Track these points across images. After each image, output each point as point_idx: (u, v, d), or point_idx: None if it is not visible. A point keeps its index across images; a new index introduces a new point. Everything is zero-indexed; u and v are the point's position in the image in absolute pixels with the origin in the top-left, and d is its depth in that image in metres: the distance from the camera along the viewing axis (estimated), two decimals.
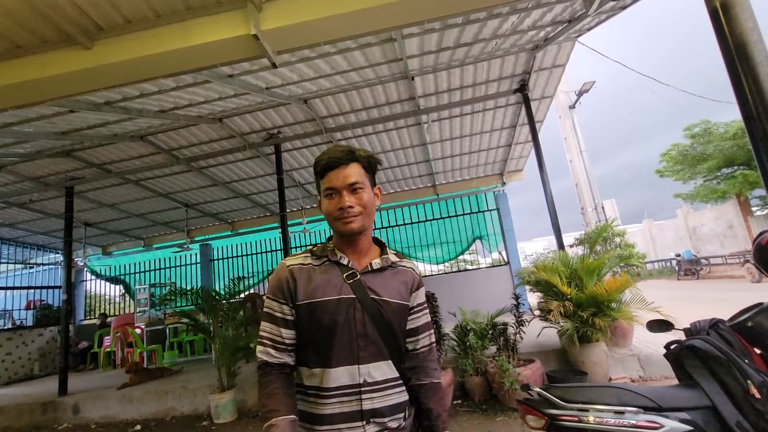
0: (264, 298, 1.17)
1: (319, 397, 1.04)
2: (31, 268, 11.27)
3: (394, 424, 1.08)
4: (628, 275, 4.33)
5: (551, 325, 4.43)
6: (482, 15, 4.00)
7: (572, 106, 10.71)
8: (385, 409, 1.06)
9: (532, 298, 6.86)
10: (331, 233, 1.22)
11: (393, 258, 1.20)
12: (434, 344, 1.26)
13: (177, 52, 2.69)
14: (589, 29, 4.65)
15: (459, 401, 4.36)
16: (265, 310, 1.13)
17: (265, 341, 1.09)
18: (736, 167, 17.60)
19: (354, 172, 1.11)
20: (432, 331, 1.27)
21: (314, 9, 2.62)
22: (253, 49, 2.77)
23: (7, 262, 10.49)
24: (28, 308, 10.93)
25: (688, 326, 2.09)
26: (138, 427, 5.10)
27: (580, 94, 10.36)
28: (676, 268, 19.06)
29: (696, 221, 21.42)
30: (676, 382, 2.01)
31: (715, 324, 1.97)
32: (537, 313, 4.77)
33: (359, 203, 1.10)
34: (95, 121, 4.89)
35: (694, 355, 1.86)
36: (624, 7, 4.12)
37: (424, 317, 1.23)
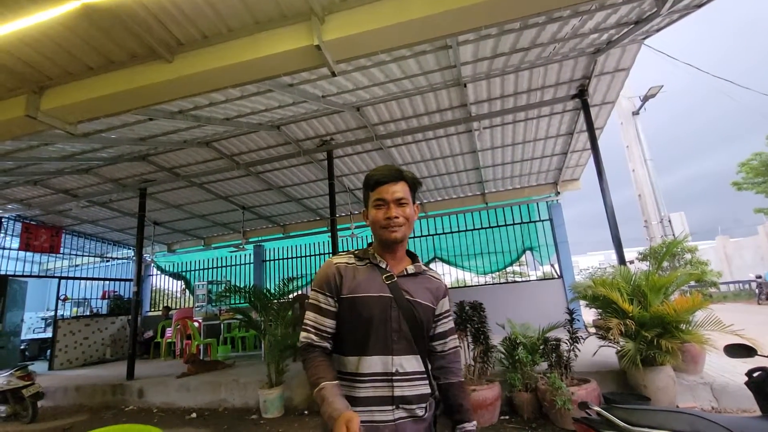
0: (310, 290, 1.32)
1: (355, 381, 1.19)
2: (107, 261, 12.48)
3: (419, 412, 1.21)
4: (701, 295, 3.96)
5: (609, 344, 4.15)
6: (541, 19, 3.90)
7: (636, 112, 10.04)
8: (413, 398, 1.20)
9: (587, 315, 6.47)
10: (372, 240, 1.39)
11: (424, 267, 1.38)
12: (459, 347, 1.49)
13: (246, 64, 2.91)
14: (657, 30, 4.37)
15: (506, 417, 4.20)
16: (310, 301, 1.28)
17: (309, 328, 1.25)
18: None
19: (401, 189, 1.29)
20: (456, 335, 1.45)
21: (375, 18, 2.73)
22: (315, 58, 2.92)
23: (88, 255, 11.67)
24: (103, 298, 12.10)
25: None
26: (194, 415, 5.42)
27: (645, 99, 9.68)
28: (757, 291, 17.07)
29: None
30: (755, 414, 1.82)
31: None
32: (593, 330, 4.50)
33: (403, 215, 1.27)
34: (169, 128, 5.35)
35: None
36: (700, 5, 3.84)
37: (450, 323, 1.41)
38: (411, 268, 1.32)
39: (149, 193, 7.92)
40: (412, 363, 1.22)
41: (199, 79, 3.04)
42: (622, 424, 1.73)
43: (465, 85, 5.22)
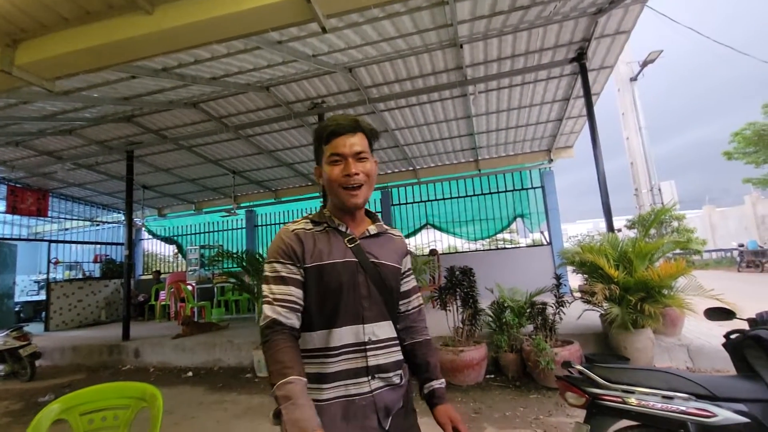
0: (265, 265, 1.15)
1: (326, 357, 1.07)
2: (97, 225, 12.37)
3: (396, 380, 1.14)
4: (685, 262, 4.05)
5: (594, 308, 4.29)
6: None
7: (634, 78, 9.87)
8: (388, 365, 1.12)
9: (574, 281, 6.64)
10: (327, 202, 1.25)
11: (384, 226, 1.27)
12: (423, 305, 1.37)
13: (232, 16, 2.74)
14: None
15: (492, 376, 4.39)
16: (268, 274, 1.12)
17: (272, 301, 1.07)
18: None
19: (360, 141, 1.13)
20: (420, 294, 1.37)
21: None
22: (304, 12, 2.76)
23: (78, 219, 11.54)
24: (95, 261, 12.11)
25: (753, 316, 1.95)
26: (190, 373, 5.58)
27: (644, 64, 9.49)
28: (738, 259, 17.62)
29: (767, 210, 19.52)
30: (729, 374, 1.90)
31: None
32: (578, 295, 4.62)
33: (364, 171, 1.13)
34: (153, 87, 5.13)
35: (758, 346, 1.75)
36: None
37: (413, 281, 1.33)
38: (373, 229, 1.21)
39: (137, 155, 7.72)
40: (384, 329, 1.14)
41: (182, 32, 2.87)
42: (601, 381, 1.80)
43: (461, 46, 5.04)
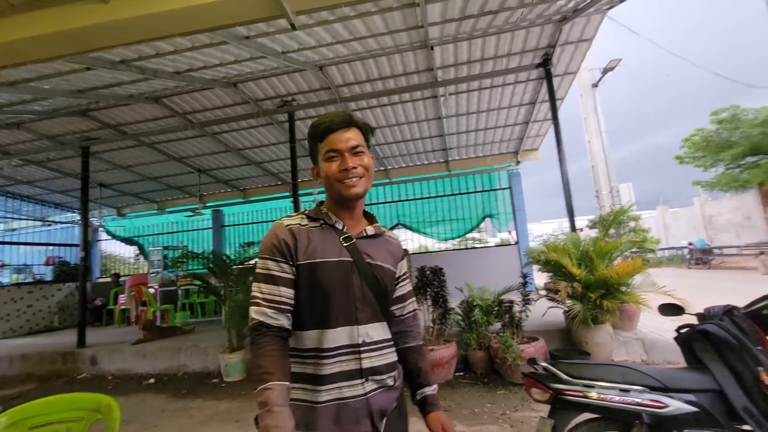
0: (258, 260, 1.13)
1: (320, 358, 1.05)
2: (49, 225, 11.59)
3: (390, 382, 1.13)
4: (641, 260, 4.28)
5: (557, 305, 4.44)
6: None
7: (595, 84, 10.33)
8: (382, 368, 1.11)
9: (540, 279, 6.86)
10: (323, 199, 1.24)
11: (382, 228, 1.25)
12: (417, 310, 1.34)
13: (195, 8, 2.62)
14: (621, 1, 4.41)
15: (461, 373, 4.46)
16: (259, 271, 1.10)
17: (260, 302, 1.06)
18: (761, 156, 16.96)
19: (355, 136, 1.12)
20: (414, 298, 1.35)
21: None
22: (273, 7, 2.68)
23: (27, 219, 10.78)
24: (46, 264, 11.33)
25: (701, 311, 2.08)
26: (152, 380, 5.34)
27: (604, 72, 9.96)
28: (688, 256, 18.83)
29: (713, 210, 20.93)
30: (679, 366, 2.02)
31: (729, 310, 1.96)
32: (543, 292, 4.78)
33: (362, 164, 1.11)
34: (111, 80, 4.87)
35: (706, 340, 1.86)
36: None
37: (408, 285, 1.31)
38: (370, 229, 1.19)
39: (93, 152, 7.29)
40: (378, 331, 1.13)
41: (141, 24, 2.72)
42: (564, 377, 1.87)
43: (432, 48, 5.08)
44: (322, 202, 1.22)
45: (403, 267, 1.28)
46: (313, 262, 1.08)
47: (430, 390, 1.23)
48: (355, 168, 1.09)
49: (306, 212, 1.19)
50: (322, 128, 1.12)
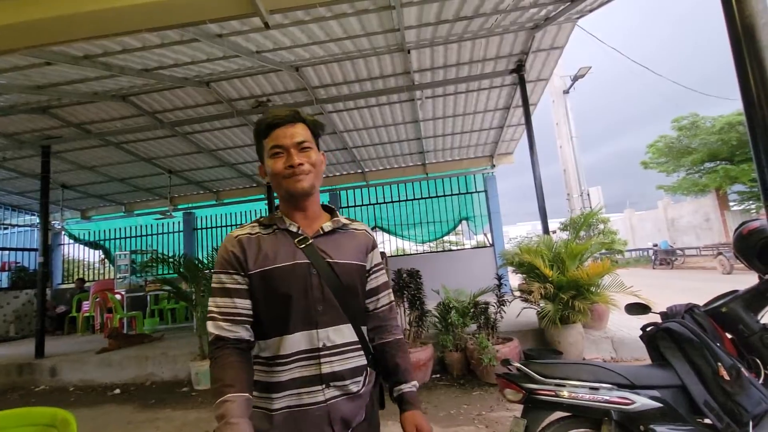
0: (213, 275, 1.10)
1: (277, 365, 1.02)
2: (5, 229, 10.94)
3: (354, 388, 1.07)
4: (609, 261, 4.43)
5: (531, 306, 4.53)
6: None
7: (567, 91, 10.68)
8: (345, 372, 1.05)
9: (514, 280, 6.99)
10: (278, 204, 1.19)
11: (344, 221, 1.18)
12: (394, 303, 1.27)
13: (162, 3, 2.52)
14: (591, 10, 4.56)
15: (437, 375, 4.47)
16: (213, 286, 1.07)
17: (216, 315, 1.03)
18: (718, 162, 17.99)
19: (301, 132, 1.08)
20: (390, 290, 1.27)
21: None
22: (245, 5, 2.62)
23: None
24: (2, 270, 10.66)
25: (665, 310, 2.15)
26: (117, 391, 5.10)
27: (575, 79, 10.31)
28: (653, 257, 19.67)
29: (675, 213, 22.02)
30: (645, 363, 2.09)
31: (690, 309, 2.04)
32: (518, 294, 4.87)
33: (308, 161, 1.07)
34: (74, 76, 4.63)
35: (669, 337, 1.92)
36: None
37: (383, 277, 1.23)
38: (327, 225, 1.13)
39: (54, 151, 6.92)
40: (342, 333, 1.07)
41: (104, 17, 2.59)
42: (537, 376, 1.89)
43: (409, 52, 5.11)
44: (278, 207, 1.18)
45: (374, 258, 1.21)
46: (265, 269, 1.04)
47: (407, 387, 1.16)
48: (301, 164, 1.05)
49: (260, 220, 1.15)
50: (265, 124, 1.08)
